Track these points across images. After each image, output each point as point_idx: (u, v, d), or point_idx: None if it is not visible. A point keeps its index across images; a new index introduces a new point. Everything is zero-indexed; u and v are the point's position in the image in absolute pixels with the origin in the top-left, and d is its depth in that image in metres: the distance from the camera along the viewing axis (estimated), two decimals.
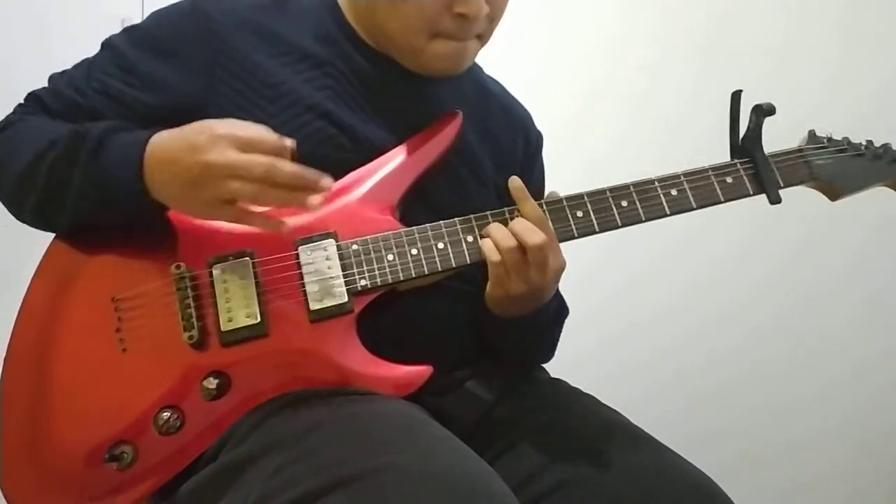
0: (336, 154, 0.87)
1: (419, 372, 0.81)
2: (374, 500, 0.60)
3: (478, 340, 0.98)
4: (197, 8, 0.89)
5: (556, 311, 0.99)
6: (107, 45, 0.92)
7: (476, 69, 1.06)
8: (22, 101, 0.91)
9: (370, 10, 0.90)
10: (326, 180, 0.75)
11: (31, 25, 1.58)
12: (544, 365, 1.04)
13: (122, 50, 0.89)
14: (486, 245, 0.84)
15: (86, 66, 0.91)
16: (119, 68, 0.88)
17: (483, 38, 0.92)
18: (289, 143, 0.75)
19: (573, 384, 0.98)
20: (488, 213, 0.86)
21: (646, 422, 0.88)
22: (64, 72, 0.92)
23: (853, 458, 1.51)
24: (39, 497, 0.76)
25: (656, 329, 1.57)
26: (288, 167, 0.74)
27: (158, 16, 0.92)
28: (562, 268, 0.86)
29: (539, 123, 1.10)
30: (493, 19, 0.90)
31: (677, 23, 1.58)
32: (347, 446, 0.65)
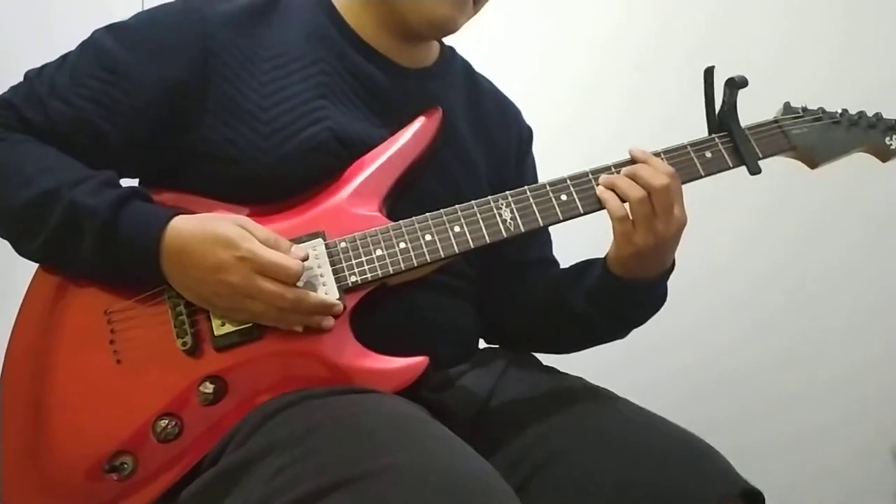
0: (329, 159, 0.87)
1: (415, 363, 0.81)
2: (376, 500, 0.59)
3: (473, 334, 0.99)
4: (189, 7, 0.88)
5: (665, 291, 0.97)
6: (90, 44, 0.87)
7: (469, 67, 1.08)
8: None
9: None
10: (339, 306, 0.80)
11: (30, 25, 1.58)
12: (538, 355, 1.04)
13: (108, 50, 0.86)
14: (611, 202, 0.84)
15: (68, 69, 0.86)
16: (106, 70, 0.85)
17: (478, 3, 0.94)
18: (300, 267, 0.77)
19: None
20: (473, 202, 0.87)
21: None
22: (41, 71, 0.87)
23: (853, 457, 1.49)
24: None
25: (652, 326, 1.56)
26: (313, 299, 0.78)
27: (148, 15, 0.89)
28: (684, 223, 0.85)
29: (536, 120, 1.12)
30: None
31: (675, 21, 1.58)
32: (348, 447, 0.65)
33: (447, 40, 1.07)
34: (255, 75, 0.87)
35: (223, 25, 0.87)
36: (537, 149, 1.14)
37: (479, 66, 1.11)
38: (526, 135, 1.11)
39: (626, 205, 0.84)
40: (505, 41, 1.68)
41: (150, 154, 0.87)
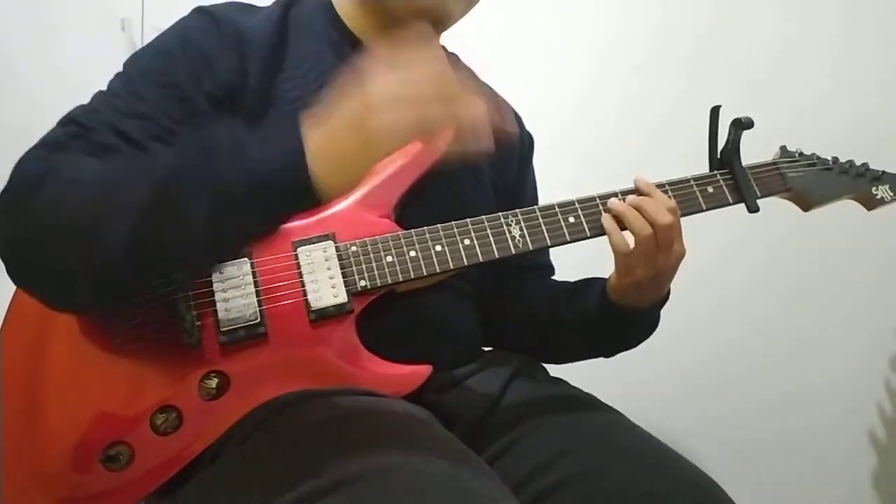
0: None
1: (418, 371, 0.82)
2: (375, 500, 0.59)
3: (478, 336, 1.00)
4: (221, 20, 0.87)
5: (657, 318, 1.00)
6: (133, 68, 0.84)
7: (472, 74, 1.09)
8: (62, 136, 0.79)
9: None
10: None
11: (31, 25, 1.55)
12: (546, 365, 1.06)
13: (154, 70, 0.83)
14: (615, 235, 0.87)
15: (123, 91, 0.82)
16: (162, 86, 0.82)
17: None
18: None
19: (573, 383, 0.99)
20: (483, 217, 0.88)
21: (644, 419, 0.90)
22: (92, 104, 0.82)
23: (853, 457, 1.50)
24: (36, 498, 0.74)
25: None
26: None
27: (183, 31, 0.87)
28: (683, 256, 0.90)
29: (535, 122, 1.13)
30: None
31: (675, 23, 1.60)
32: (349, 447, 0.65)
33: (452, 47, 1.09)
34: (274, 84, 0.88)
35: (252, 37, 0.88)
36: (538, 150, 1.15)
37: (480, 70, 1.12)
38: (527, 141, 1.13)
39: (630, 237, 0.88)
40: (505, 44, 1.69)
41: None
